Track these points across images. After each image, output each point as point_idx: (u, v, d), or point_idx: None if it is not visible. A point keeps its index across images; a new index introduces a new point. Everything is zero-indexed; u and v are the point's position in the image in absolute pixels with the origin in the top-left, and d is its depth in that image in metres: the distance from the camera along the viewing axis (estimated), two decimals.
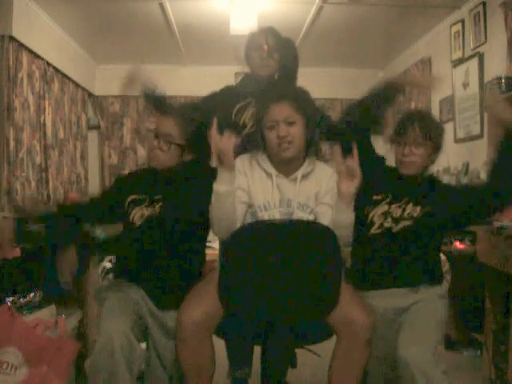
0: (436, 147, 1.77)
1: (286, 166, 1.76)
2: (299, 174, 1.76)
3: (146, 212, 1.79)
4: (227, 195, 1.66)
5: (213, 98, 2.24)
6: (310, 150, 1.78)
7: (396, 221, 1.76)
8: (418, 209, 1.76)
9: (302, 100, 1.76)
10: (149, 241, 1.77)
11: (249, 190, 1.75)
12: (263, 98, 1.80)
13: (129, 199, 1.82)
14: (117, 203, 1.85)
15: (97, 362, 1.53)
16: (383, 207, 1.78)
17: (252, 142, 1.87)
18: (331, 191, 1.75)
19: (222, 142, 1.65)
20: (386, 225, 1.76)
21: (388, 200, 1.78)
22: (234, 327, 1.65)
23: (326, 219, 1.70)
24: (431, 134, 1.73)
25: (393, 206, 1.77)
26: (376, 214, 1.78)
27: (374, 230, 1.77)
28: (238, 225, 1.68)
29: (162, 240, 1.76)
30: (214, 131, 1.67)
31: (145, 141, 5.34)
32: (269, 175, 1.76)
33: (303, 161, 1.78)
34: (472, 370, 2.68)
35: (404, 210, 1.76)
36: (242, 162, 1.79)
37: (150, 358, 1.71)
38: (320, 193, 1.76)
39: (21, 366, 1.87)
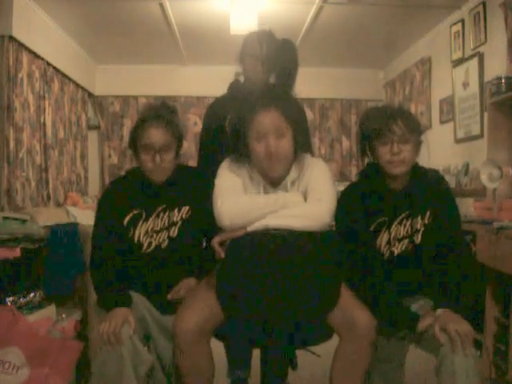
0: (419, 140, 1.68)
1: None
2: (288, 182, 1.69)
3: (150, 226, 1.76)
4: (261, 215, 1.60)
5: (207, 115, 2.25)
6: (297, 155, 1.69)
7: (402, 240, 1.67)
8: (419, 219, 1.67)
9: (291, 108, 1.67)
10: (161, 264, 1.76)
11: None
12: (250, 104, 1.68)
13: (127, 218, 1.76)
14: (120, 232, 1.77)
15: (104, 365, 1.51)
16: (385, 236, 1.67)
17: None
18: (316, 179, 1.68)
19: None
20: (397, 251, 1.67)
21: (386, 225, 1.67)
22: (233, 330, 1.64)
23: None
24: (416, 126, 1.66)
25: (393, 226, 1.67)
26: (382, 244, 1.67)
27: (386, 258, 1.68)
28: None
29: (176, 261, 1.77)
30: None
31: None
32: (257, 184, 1.70)
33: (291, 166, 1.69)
34: None
35: (405, 226, 1.66)
36: (235, 165, 1.72)
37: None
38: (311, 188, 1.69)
39: (23, 366, 1.87)
